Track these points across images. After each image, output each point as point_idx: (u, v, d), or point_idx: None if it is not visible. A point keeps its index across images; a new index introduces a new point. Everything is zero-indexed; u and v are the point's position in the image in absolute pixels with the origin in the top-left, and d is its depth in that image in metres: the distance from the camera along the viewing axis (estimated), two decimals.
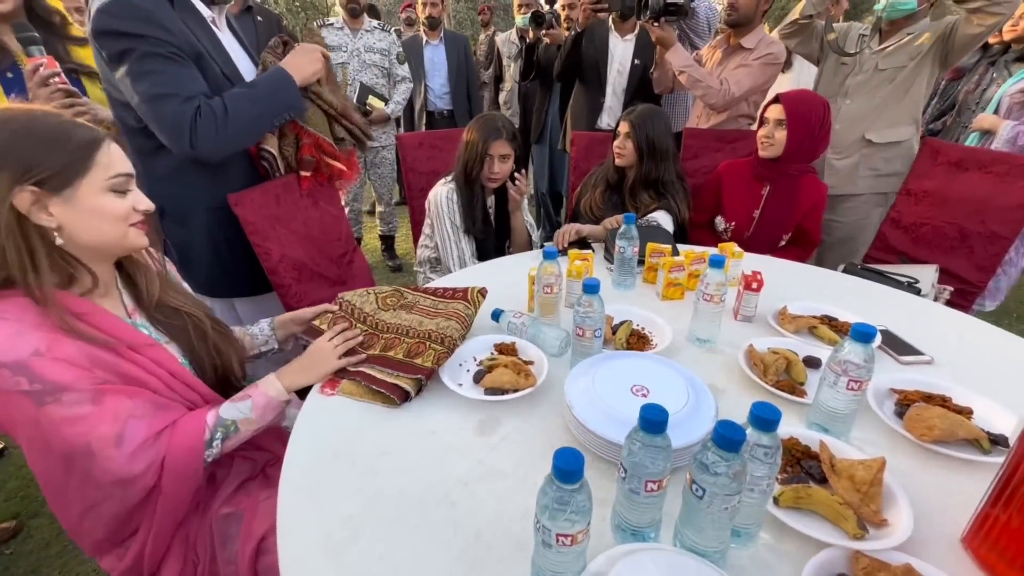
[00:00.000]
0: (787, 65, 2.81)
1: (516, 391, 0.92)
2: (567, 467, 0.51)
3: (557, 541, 0.53)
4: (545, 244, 1.12)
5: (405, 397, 0.92)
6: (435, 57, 3.31)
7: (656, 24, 2.05)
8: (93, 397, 0.73)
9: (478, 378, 0.96)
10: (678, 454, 0.67)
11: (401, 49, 2.97)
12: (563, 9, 2.98)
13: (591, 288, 0.93)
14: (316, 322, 1.09)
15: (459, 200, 1.67)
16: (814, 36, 2.11)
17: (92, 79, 1.51)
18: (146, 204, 0.82)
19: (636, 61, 2.40)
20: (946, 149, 1.84)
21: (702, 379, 0.88)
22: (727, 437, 0.54)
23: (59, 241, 0.74)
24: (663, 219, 1.77)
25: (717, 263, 1.03)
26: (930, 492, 0.72)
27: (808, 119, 1.56)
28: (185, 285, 1.04)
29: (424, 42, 3.29)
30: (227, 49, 1.26)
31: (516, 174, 1.70)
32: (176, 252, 1.15)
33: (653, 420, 0.57)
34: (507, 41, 3.65)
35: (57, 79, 1.31)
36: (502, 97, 3.80)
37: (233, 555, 0.84)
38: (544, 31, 2.78)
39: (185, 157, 1.18)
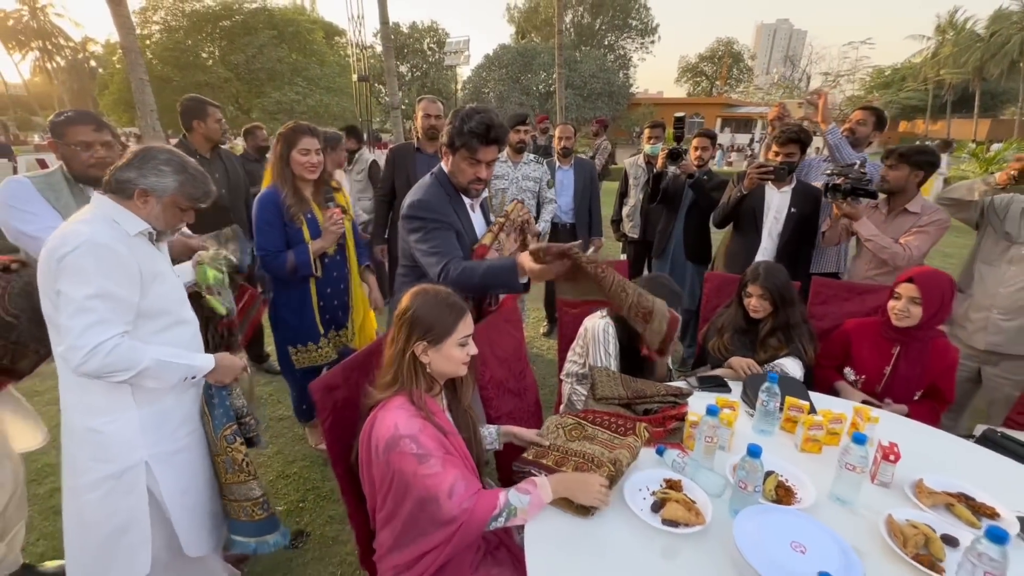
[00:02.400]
0: None
1: (688, 525, 1.20)
2: None
3: None
4: (709, 405, 1.41)
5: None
6: (565, 180, 3.89)
7: (844, 202, 2.40)
8: (442, 463, 1.16)
9: (655, 508, 1.25)
10: None
11: (551, 176, 3.55)
12: (695, 150, 3.41)
13: (755, 453, 1.20)
14: (530, 456, 1.42)
15: (615, 334, 2.02)
16: (974, 208, 2.25)
17: (346, 215, 2.25)
18: (475, 351, 1.29)
19: (793, 210, 2.70)
20: None
21: (847, 540, 1.10)
22: None
23: (428, 370, 1.25)
24: (791, 365, 1.98)
25: (860, 440, 1.25)
26: None
27: (942, 296, 1.75)
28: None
29: (557, 166, 3.87)
30: (474, 226, 1.83)
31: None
32: None
33: None
34: (634, 164, 4.14)
35: (341, 221, 2.13)
36: (625, 211, 4.24)
37: None
38: (677, 165, 3.20)
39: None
